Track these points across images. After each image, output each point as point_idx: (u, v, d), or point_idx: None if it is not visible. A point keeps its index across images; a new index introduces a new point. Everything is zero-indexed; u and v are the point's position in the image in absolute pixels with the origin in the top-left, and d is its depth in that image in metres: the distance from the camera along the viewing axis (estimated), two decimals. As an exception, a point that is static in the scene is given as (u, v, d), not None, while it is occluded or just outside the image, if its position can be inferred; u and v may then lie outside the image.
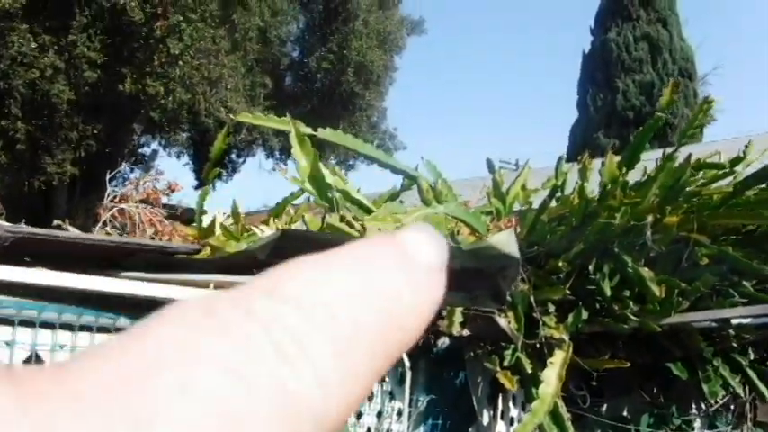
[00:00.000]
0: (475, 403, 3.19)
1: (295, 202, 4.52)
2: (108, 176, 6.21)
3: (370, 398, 2.99)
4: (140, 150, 14.44)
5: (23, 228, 2.09)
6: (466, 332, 2.84)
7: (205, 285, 2.32)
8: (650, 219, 3.06)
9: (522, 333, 2.98)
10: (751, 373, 3.59)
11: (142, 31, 11.22)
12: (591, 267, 3.30)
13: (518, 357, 2.99)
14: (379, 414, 3.02)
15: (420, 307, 0.24)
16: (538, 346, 2.99)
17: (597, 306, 3.37)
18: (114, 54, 11.33)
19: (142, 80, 11.03)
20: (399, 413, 3.07)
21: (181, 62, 11.09)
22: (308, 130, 3.52)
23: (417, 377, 3.11)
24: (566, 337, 2.94)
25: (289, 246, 2.43)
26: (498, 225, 3.63)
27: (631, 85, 22.27)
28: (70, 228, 4.15)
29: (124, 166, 12.68)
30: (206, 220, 4.15)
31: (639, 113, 21.36)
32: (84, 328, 2.05)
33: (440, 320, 2.84)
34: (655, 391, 3.83)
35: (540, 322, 3.01)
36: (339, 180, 3.72)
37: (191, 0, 11.25)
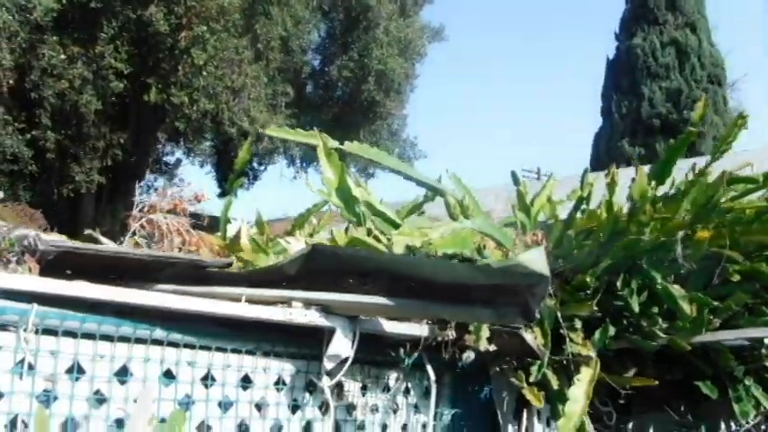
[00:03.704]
0: (500, 418, 3.18)
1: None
2: (137, 186, 6.32)
3: (396, 411, 3.00)
4: (164, 159, 14.62)
5: (66, 243, 2.14)
6: (492, 347, 2.84)
7: (237, 299, 2.36)
8: (680, 234, 3.04)
9: (549, 349, 2.98)
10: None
11: (167, 41, 11.37)
12: (618, 283, 3.28)
13: (544, 373, 2.98)
14: (404, 427, 3.03)
15: None
16: (564, 362, 2.98)
17: (624, 322, 3.35)
18: (140, 64, 11.50)
19: (167, 90, 11.18)
20: (424, 426, 3.08)
21: (205, 72, 11.23)
22: (335, 144, 3.56)
23: (442, 390, 3.11)
24: (593, 354, 2.93)
25: (318, 261, 2.46)
26: (524, 239, 3.62)
27: (658, 91, 21.82)
28: (100, 237, 4.22)
29: (148, 175, 12.82)
30: (231, 230, 4.19)
31: (666, 121, 21.00)
32: (122, 339, 2.09)
33: (466, 335, 2.85)
34: (683, 408, 3.78)
35: (567, 338, 3.00)
36: (363, 192, 3.74)
37: (214, 11, 11.39)
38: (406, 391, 3.04)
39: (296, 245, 3.53)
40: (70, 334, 1.99)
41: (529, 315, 2.25)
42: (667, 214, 3.09)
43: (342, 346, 2.43)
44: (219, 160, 15.68)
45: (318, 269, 2.43)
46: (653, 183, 3.13)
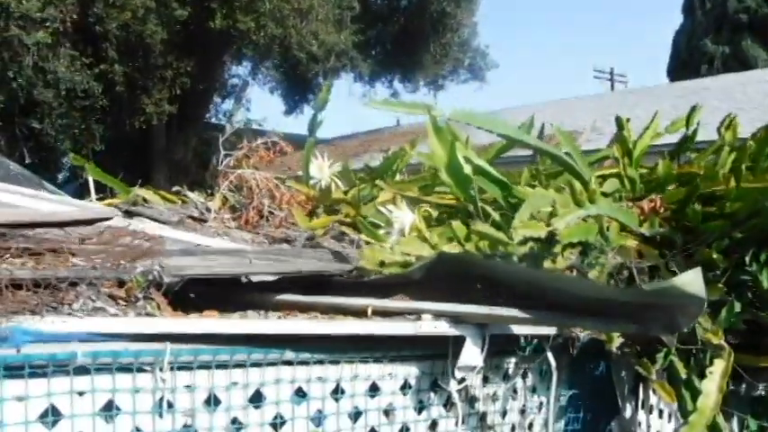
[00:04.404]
0: (619, 399, 3.10)
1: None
2: (206, 115, 6.27)
3: (514, 397, 2.95)
4: (231, 81, 14.51)
5: (186, 270, 2.09)
6: (620, 340, 2.72)
7: (363, 311, 2.29)
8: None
9: (676, 336, 2.83)
10: None
11: (228, -38, 11.01)
12: (747, 258, 3.08)
13: (671, 361, 2.85)
14: (522, 411, 2.99)
15: None
16: (694, 351, 2.84)
17: (750, 295, 3.17)
18: (202, -12, 11.21)
19: (232, 15, 10.89)
20: (540, 406, 3.03)
21: (270, -7, 10.87)
22: (440, 113, 3.36)
23: (560, 373, 3.04)
24: (724, 344, 2.77)
25: (444, 268, 2.36)
26: (641, 205, 3.40)
27: (746, -18, 20.09)
28: (189, 192, 4.20)
29: (216, 99, 12.76)
30: (312, 169, 4.07)
31: (755, 16, 19.33)
32: (254, 364, 2.07)
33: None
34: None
35: (696, 324, 2.84)
36: (461, 146, 3.51)
37: (275, -74, 10.89)
38: (524, 375, 2.98)
39: (398, 213, 3.41)
40: (204, 367, 1.97)
41: (674, 330, 2.11)
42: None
43: (472, 355, 2.36)
44: (287, 80, 15.43)
45: (444, 275, 2.33)
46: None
